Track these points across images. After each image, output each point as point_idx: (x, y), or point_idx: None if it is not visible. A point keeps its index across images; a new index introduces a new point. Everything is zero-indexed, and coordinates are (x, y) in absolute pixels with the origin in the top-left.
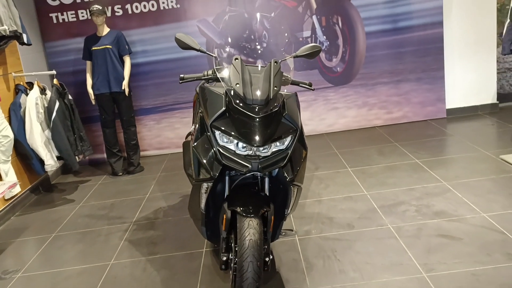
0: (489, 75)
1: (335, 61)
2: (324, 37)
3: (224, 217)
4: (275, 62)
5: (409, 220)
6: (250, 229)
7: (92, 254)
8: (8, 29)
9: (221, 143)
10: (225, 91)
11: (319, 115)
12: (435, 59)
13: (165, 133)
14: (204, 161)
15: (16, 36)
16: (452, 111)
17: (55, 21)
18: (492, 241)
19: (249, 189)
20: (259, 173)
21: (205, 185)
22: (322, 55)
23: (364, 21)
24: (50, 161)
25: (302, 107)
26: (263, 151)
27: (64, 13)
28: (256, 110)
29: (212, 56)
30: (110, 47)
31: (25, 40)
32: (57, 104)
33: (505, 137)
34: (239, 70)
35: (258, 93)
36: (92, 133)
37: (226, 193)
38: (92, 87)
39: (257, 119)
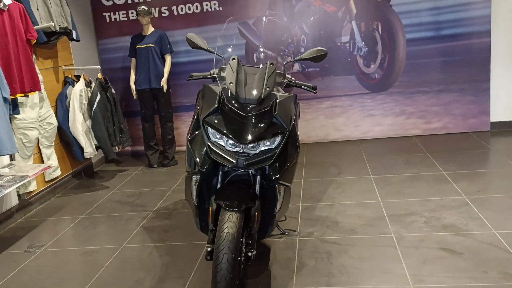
0: None
1: (373, 67)
2: (363, 43)
3: (211, 209)
4: (271, 63)
5: (414, 231)
6: (229, 222)
7: (109, 236)
8: (59, 25)
9: (212, 138)
10: (221, 90)
11: (354, 121)
12: (481, 70)
13: None
14: (195, 154)
15: (66, 33)
16: (498, 124)
17: (107, 20)
18: (493, 259)
19: (239, 185)
20: (251, 170)
21: (194, 177)
22: (360, 61)
23: (405, 28)
24: (89, 149)
25: (337, 113)
26: (251, 149)
27: (116, 12)
28: (248, 109)
29: (220, 56)
30: (153, 45)
31: (74, 36)
32: (99, 96)
33: None
34: (234, 70)
35: (251, 92)
36: (135, 126)
37: (218, 186)
38: (135, 83)
39: (247, 118)
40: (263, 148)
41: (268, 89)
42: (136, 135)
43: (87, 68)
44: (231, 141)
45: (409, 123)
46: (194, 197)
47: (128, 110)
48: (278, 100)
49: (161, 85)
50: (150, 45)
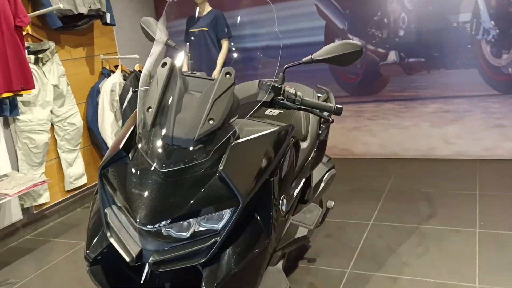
0: None
1: (507, 58)
2: (492, 22)
3: None
4: (227, 73)
5: None
6: None
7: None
8: (89, 7)
9: (118, 203)
10: (140, 119)
11: (472, 132)
12: None
13: None
14: (89, 229)
15: (99, 15)
16: None
17: None
18: None
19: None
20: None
21: (88, 268)
22: (487, 48)
23: None
24: None
25: (448, 120)
26: (177, 232)
27: None
28: (176, 156)
29: (175, 48)
30: (206, 29)
31: (107, 20)
32: (131, 92)
33: None
34: (159, 85)
35: (183, 127)
36: None
37: (142, 278)
38: None
39: (166, 174)
40: (200, 229)
41: (211, 121)
42: None
43: (124, 58)
44: (132, 219)
45: None
46: None
47: None
48: (234, 143)
49: (213, 77)
50: (203, 28)
